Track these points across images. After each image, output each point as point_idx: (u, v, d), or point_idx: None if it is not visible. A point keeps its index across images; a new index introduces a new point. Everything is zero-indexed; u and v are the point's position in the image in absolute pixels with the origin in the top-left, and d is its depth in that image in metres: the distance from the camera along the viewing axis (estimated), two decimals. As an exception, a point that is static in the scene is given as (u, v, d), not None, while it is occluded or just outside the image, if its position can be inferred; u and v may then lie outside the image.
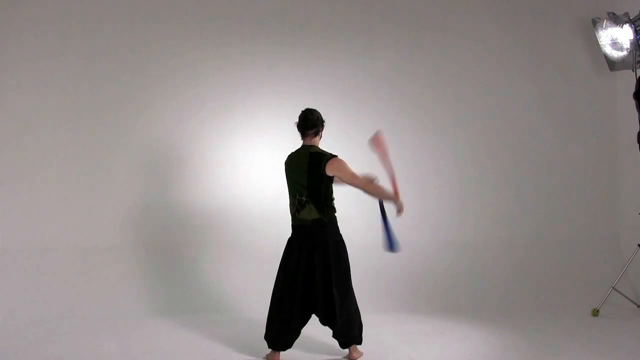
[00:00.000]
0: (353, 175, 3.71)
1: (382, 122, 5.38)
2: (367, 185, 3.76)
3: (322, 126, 3.85)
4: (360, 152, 5.32)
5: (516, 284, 5.27)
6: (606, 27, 5.27)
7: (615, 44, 5.27)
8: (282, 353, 3.73)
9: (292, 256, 3.70)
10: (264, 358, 3.75)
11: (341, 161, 3.71)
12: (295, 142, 3.88)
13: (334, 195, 3.77)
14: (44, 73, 5.12)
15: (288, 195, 3.80)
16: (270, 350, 3.73)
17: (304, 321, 3.75)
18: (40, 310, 4.73)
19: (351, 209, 5.10)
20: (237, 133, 5.28)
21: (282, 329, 3.68)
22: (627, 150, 5.28)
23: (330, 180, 3.72)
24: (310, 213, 3.70)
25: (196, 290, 5.01)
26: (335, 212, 3.78)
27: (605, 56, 5.36)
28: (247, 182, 5.24)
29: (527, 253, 5.42)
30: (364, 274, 4.93)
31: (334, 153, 3.75)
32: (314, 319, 3.76)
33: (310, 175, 3.70)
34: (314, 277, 3.66)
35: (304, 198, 3.70)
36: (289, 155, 3.86)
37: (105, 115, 5.17)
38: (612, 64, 5.35)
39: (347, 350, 3.78)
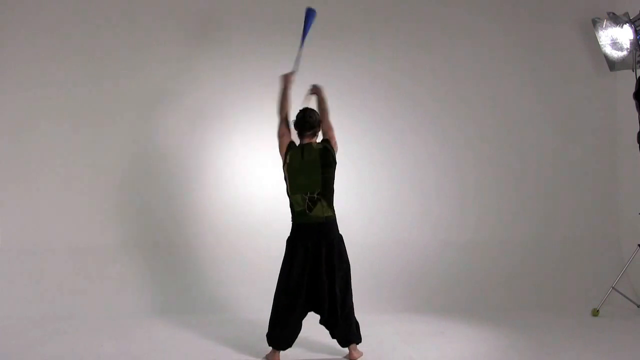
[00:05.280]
0: (330, 124, 3.93)
1: (382, 122, 5.43)
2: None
3: (319, 127, 3.84)
4: (359, 152, 5.38)
5: (516, 284, 5.26)
6: (606, 27, 5.27)
7: (615, 44, 5.26)
8: (281, 353, 3.73)
9: (297, 256, 3.66)
10: (264, 358, 3.75)
11: (333, 136, 3.85)
12: (296, 142, 3.87)
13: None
14: (43, 73, 5.14)
15: (289, 194, 3.76)
16: (270, 349, 3.73)
17: (304, 316, 3.74)
18: (40, 310, 4.73)
19: (351, 208, 5.13)
20: (237, 133, 5.28)
21: (285, 329, 3.67)
22: (627, 150, 5.28)
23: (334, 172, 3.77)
24: (323, 210, 3.69)
25: (196, 290, 5.01)
26: None
27: (605, 56, 5.35)
28: (248, 182, 5.23)
29: (527, 253, 5.40)
30: (364, 274, 4.93)
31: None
32: (312, 319, 3.76)
33: (324, 170, 3.71)
34: (318, 275, 3.64)
35: (315, 195, 3.69)
36: (292, 153, 3.77)
37: (105, 115, 5.19)
38: (612, 64, 5.34)
39: (346, 350, 3.78)
